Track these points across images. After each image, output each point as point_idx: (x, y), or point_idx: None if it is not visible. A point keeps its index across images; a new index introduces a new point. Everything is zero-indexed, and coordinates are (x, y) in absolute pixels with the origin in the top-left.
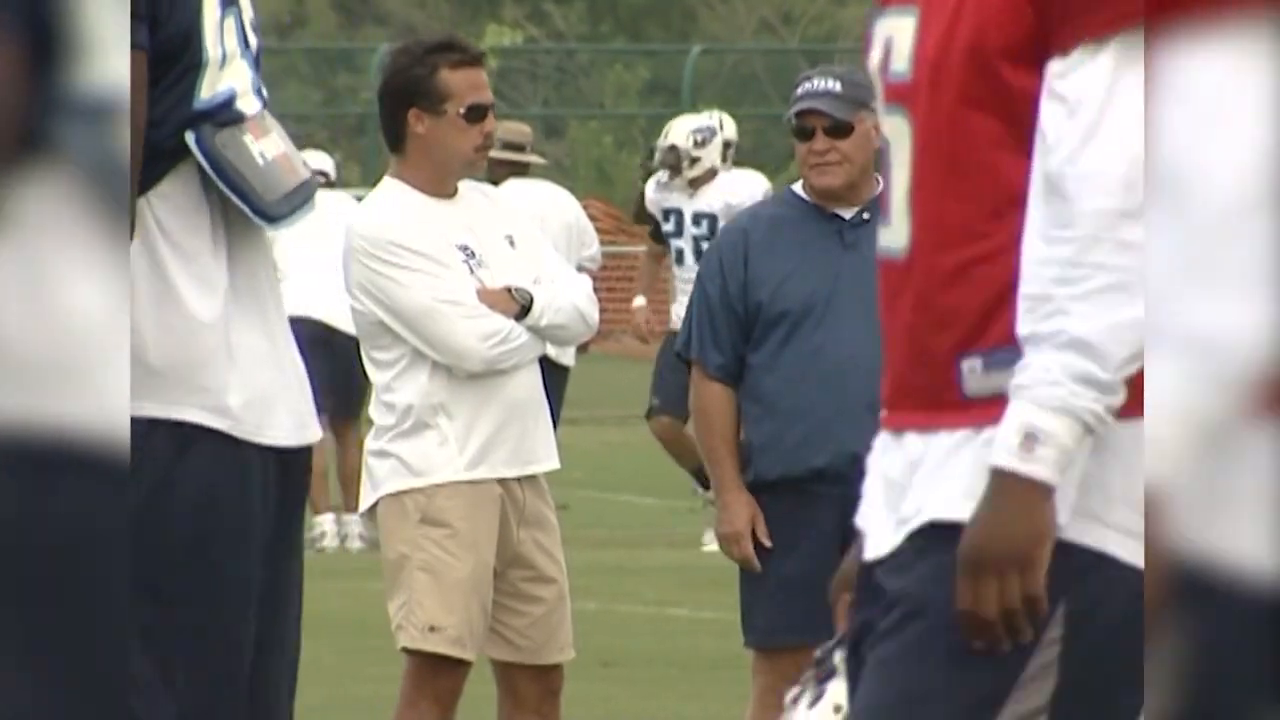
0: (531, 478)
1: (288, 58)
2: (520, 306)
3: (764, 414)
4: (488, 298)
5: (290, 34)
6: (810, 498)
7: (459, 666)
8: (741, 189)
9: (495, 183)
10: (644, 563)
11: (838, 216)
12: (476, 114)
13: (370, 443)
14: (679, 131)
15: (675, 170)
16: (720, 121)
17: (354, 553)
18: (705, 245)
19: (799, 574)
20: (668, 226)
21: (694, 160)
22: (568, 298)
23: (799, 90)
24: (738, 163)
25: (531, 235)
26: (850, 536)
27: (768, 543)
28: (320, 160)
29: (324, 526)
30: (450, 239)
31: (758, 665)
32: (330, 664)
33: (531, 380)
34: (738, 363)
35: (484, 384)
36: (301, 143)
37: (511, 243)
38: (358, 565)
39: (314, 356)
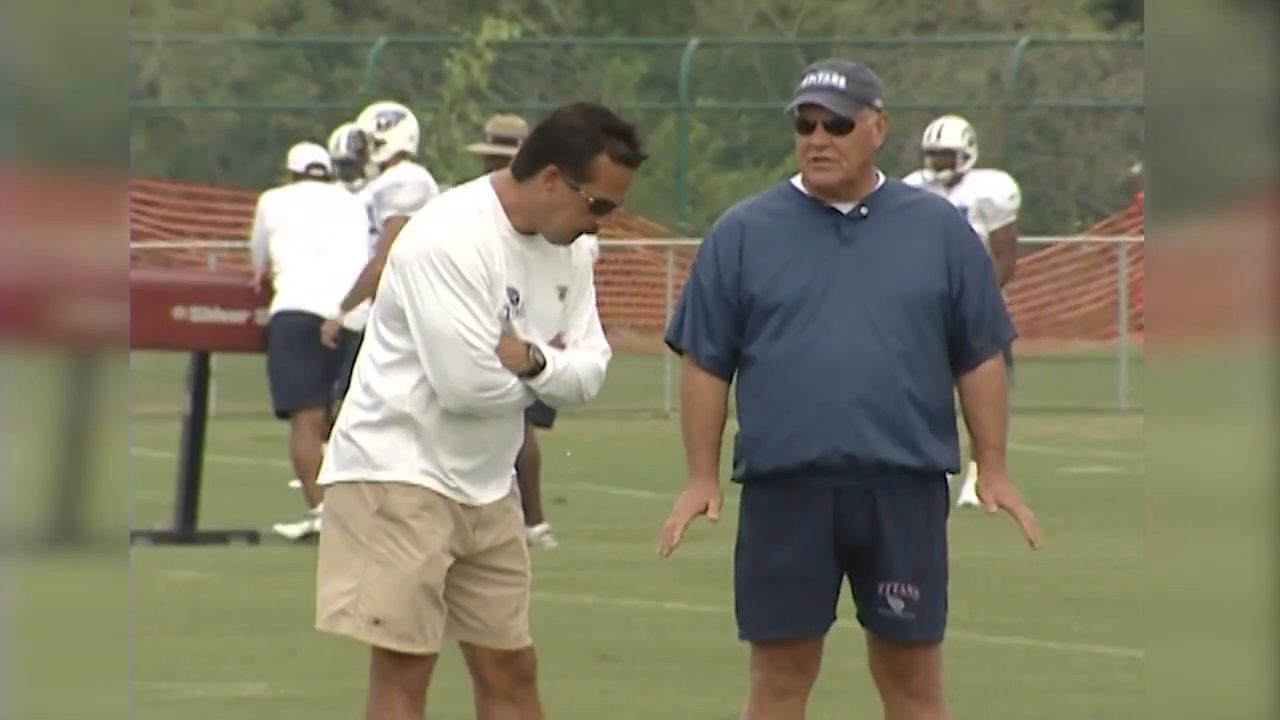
0: None
1: (284, 51)
2: (530, 368)
3: (757, 406)
4: (506, 348)
5: (287, 27)
6: (802, 490)
7: (424, 657)
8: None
9: None
10: (642, 557)
11: (835, 211)
12: (602, 208)
13: (340, 420)
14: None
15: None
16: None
17: None
18: None
19: (791, 567)
20: None
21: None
22: (576, 371)
23: (803, 82)
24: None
25: (584, 292)
26: (842, 529)
27: (715, 515)
28: (316, 154)
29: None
30: (506, 280)
31: (755, 659)
32: (327, 656)
33: (511, 419)
34: (730, 355)
35: (459, 417)
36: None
37: (561, 295)
38: None
39: (310, 348)
